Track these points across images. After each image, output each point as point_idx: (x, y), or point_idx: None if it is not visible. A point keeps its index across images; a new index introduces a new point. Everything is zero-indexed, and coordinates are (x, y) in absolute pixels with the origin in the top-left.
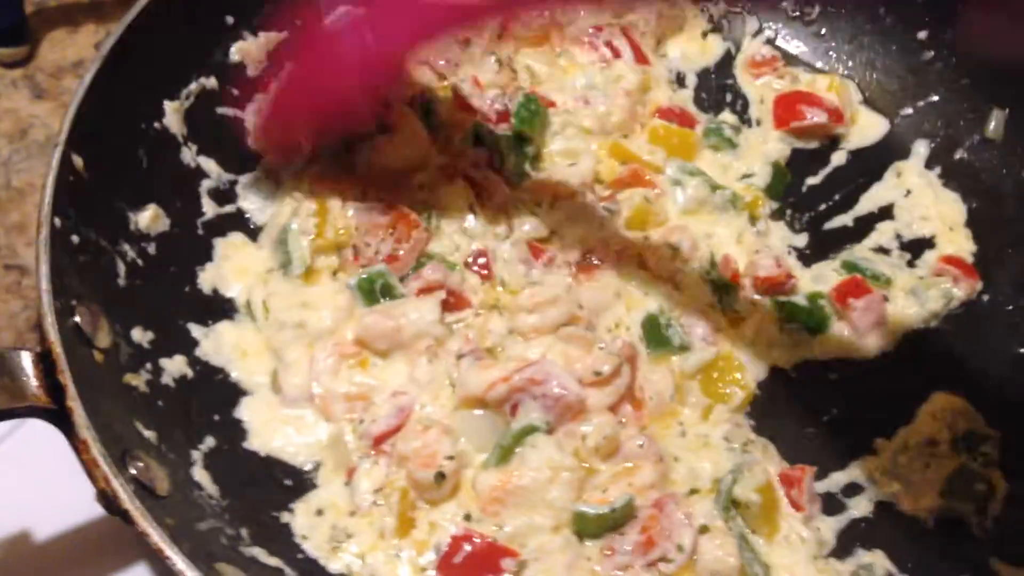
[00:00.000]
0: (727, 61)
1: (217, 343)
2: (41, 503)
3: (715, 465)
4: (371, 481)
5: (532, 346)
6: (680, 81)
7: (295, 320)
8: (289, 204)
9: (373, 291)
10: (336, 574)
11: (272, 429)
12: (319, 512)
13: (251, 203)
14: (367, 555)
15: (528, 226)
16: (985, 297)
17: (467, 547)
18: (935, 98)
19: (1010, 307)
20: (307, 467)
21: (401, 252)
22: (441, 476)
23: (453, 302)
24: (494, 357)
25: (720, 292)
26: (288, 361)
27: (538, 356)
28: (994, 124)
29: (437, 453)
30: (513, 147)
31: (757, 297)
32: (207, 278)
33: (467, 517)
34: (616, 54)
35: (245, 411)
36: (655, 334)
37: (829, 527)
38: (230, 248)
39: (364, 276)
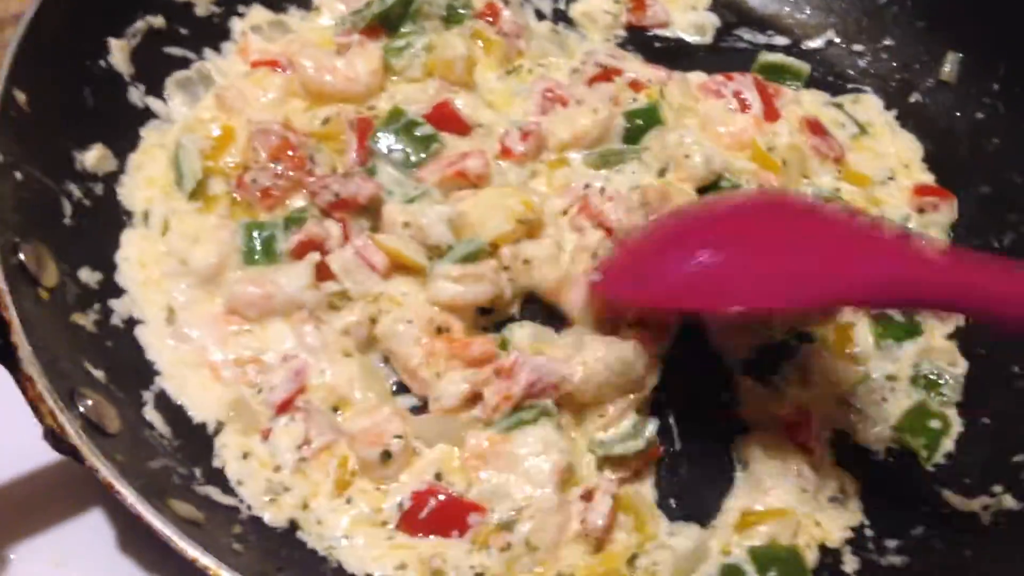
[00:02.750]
0: None
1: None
2: None
3: None
4: (291, 438)
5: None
6: None
7: (181, 254)
8: (196, 118)
9: (252, 239)
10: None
11: (181, 374)
12: (245, 456)
13: (176, 103)
14: (313, 502)
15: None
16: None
17: (432, 501)
18: (890, 41)
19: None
20: (211, 426)
21: (277, 189)
22: (387, 455)
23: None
24: None
25: None
26: (178, 305)
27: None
28: (948, 67)
29: (385, 432)
30: None
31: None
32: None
33: (438, 476)
34: (744, 106)
35: (151, 350)
36: None
37: (834, 475)
38: (144, 156)
39: (254, 222)
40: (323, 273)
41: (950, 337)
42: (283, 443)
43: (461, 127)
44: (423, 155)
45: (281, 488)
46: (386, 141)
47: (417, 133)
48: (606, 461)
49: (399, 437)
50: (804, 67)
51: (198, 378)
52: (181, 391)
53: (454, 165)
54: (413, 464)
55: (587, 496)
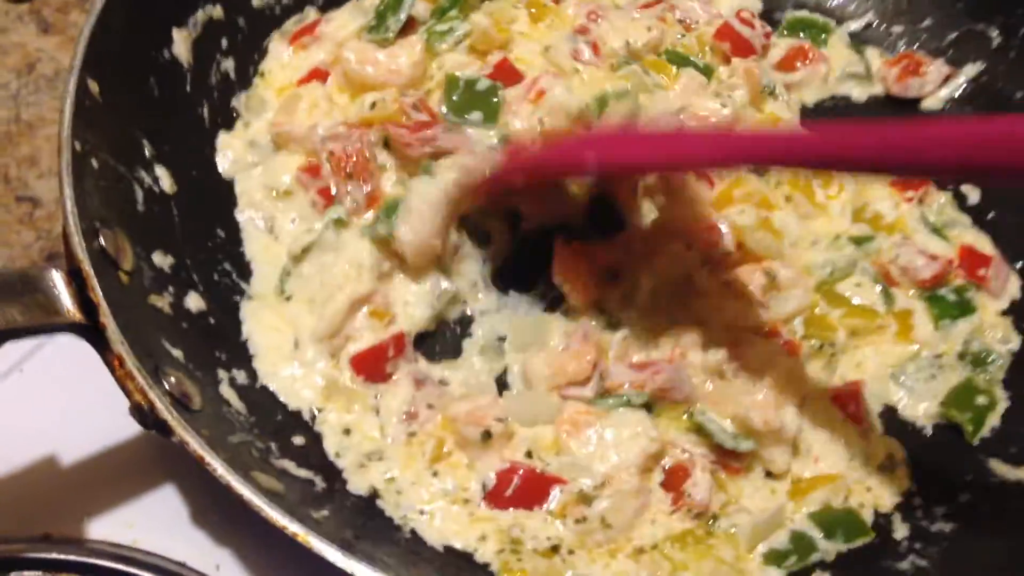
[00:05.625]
0: None
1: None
2: (68, 426)
3: None
4: (398, 402)
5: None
6: None
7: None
8: None
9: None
10: (362, 495)
11: (277, 358)
12: (346, 431)
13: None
14: (399, 474)
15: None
16: None
17: (516, 479)
18: (929, 22)
19: None
20: (307, 415)
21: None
22: (488, 435)
23: None
24: None
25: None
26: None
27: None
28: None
29: (487, 415)
30: None
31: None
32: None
33: (529, 454)
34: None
35: (248, 324)
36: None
37: (882, 444)
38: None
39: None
40: None
41: (1003, 314)
42: (392, 407)
43: (518, 76)
44: (495, 99)
45: (377, 456)
46: (456, 107)
47: (478, 88)
48: (700, 434)
49: (500, 420)
50: (828, 21)
51: (302, 361)
52: (281, 375)
53: (532, 88)
54: (507, 444)
55: (670, 482)
